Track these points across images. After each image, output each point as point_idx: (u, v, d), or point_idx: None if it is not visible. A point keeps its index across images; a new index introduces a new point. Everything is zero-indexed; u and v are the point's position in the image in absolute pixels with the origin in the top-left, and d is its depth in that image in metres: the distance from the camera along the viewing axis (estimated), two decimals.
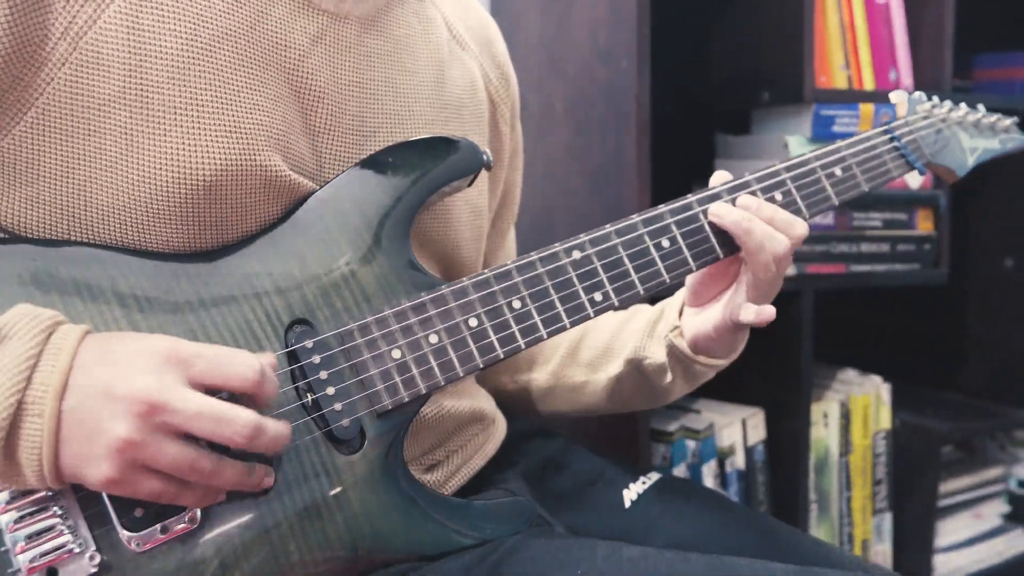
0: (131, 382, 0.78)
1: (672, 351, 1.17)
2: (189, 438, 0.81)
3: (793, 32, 1.79)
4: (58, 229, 0.90)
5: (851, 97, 1.86)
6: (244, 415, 0.81)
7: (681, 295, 1.19)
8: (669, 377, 1.19)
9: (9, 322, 0.80)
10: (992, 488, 2.25)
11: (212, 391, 0.82)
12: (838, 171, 1.16)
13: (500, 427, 1.25)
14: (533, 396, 1.34)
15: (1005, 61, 2.23)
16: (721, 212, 1.06)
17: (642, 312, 1.25)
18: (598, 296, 1.03)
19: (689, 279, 1.13)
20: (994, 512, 2.24)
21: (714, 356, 1.16)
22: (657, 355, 1.19)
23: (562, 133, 1.79)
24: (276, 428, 0.84)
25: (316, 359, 0.93)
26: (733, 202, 1.08)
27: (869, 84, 1.92)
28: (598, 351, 1.28)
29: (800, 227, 1.07)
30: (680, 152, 1.94)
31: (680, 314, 1.18)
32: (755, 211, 1.06)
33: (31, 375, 0.78)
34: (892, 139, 1.22)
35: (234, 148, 0.92)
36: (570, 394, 1.31)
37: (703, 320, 1.13)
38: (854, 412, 2.00)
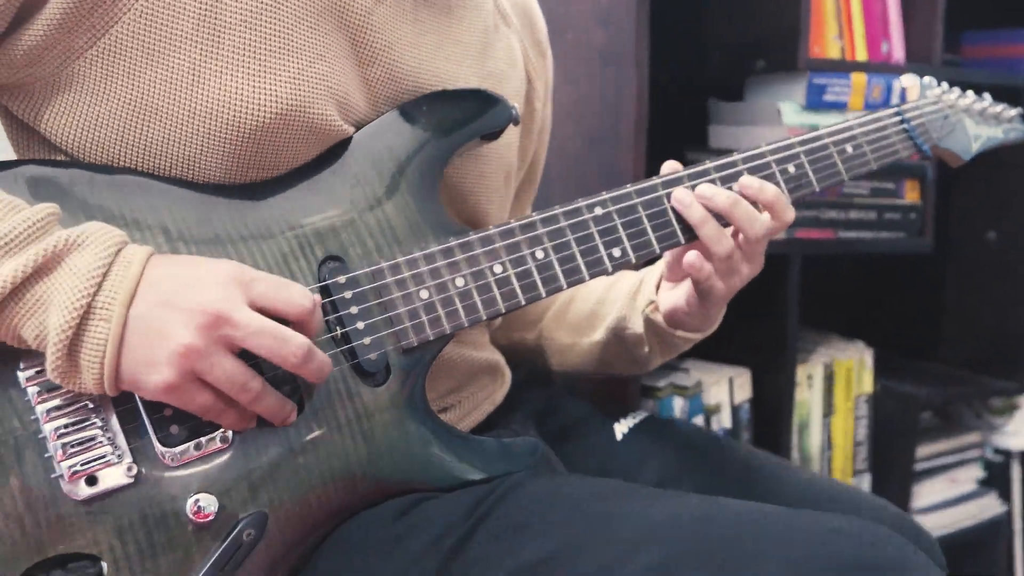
0: (197, 294, 0.83)
1: (649, 325, 1.21)
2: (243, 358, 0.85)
3: (789, 2, 1.81)
4: (112, 152, 0.94)
5: (844, 67, 1.88)
6: (300, 337, 0.85)
7: (659, 268, 1.22)
8: (647, 348, 1.24)
9: (85, 231, 0.84)
10: (968, 454, 2.29)
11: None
12: (849, 148, 1.20)
13: (507, 380, 1.29)
14: (524, 353, 1.39)
15: (993, 39, 2.26)
16: (685, 200, 1.09)
17: (625, 279, 1.29)
18: (616, 252, 1.06)
19: (666, 254, 1.17)
20: (970, 477, 2.29)
21: (690, 329, 1.20)
22: (635, 326, 1.23)
23: (560, 96, 1.81)
24: (323, 357, 0.88)
25: (348, 294, 0.96)
26: (746, 171, 1.12)
27: (861, 55, 1.96)
28: (583, 316, 1.32)
29: (759, 225, 1.10)
30: (674, 118, 1.97)
31: (658, 288, 1.22)
32: (744, 187, 1.10)
33: (102, 282, 0.82)
34: (902, 121, 1.26)
35: (294, 95, 0.95)
36: (557, 355, 1.36)
37: (676, 295, 1.17)
38: (838, 375, 2.05)
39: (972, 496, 2.27)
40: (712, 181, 1.11)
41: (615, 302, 1.27)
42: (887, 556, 0.83)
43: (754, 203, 1.10)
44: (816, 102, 1.83)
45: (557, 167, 1.83)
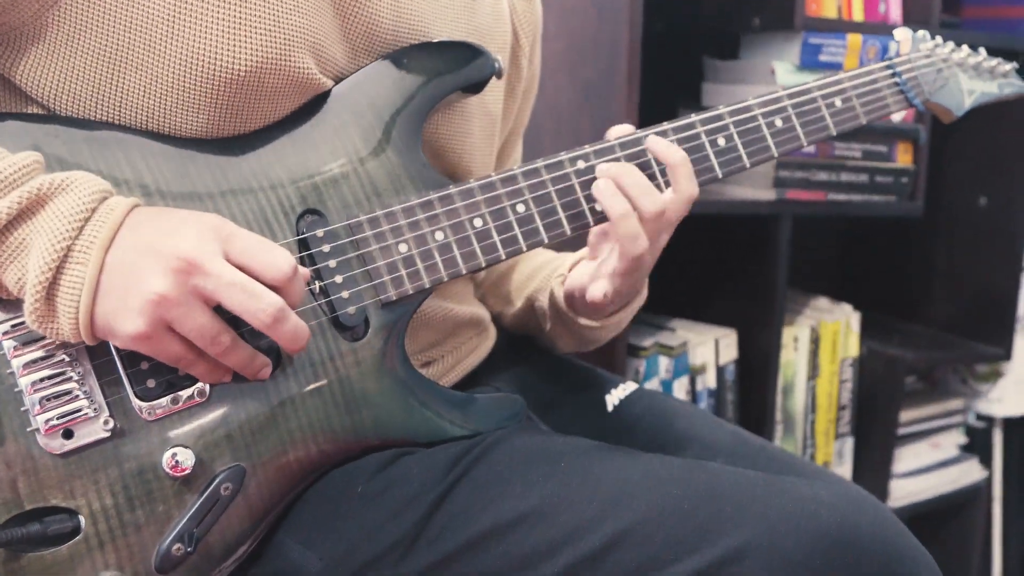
0: (174, 242, 0.82)
1: (551, 298, 1.21)
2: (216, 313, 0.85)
3: None
4: (88, 105, 0.93)
5: (840, 27, 1.86)
6: (273, 296, 0.84)
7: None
8: (549, 324, 1.24)
9: (70, 177, 0.84)
10: (951, 419, 2.30)
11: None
12: (838, 102, 1.18)
13: (492, 335, 1.29)
14: None
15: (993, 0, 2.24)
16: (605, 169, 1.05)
17: (562, 258, 1.27)
18: (599, 207, 1.05)
19: (591, 231, 1.12)
20: (951, 442, 2.30)
21: (580, 313, 1.18)
22: (544, 300, 1.23)
23: (554, 47, 1.80)
24: (298, 322, 0.87)
25: (326, 248, 0.95)
26: (733, 124, 1.11)
27: (858, 15, 1.94)
28: (514, 287, 1.32)
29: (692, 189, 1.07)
30: (668, 73, 1.95)
31: (574, 266, 1.20)
32: (658, 152, 1.06)
33: (82, 227, 0.81)
34: (893, 74, 1.24)
35: (271, 46, 0.93)
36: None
37: (579, 276, 1.15)
38: (823, 338, 2.04)
39: (953, 461, 2.27)
40: (697, 135, 1.09)
41: (540, 276, 1.27)
42: (865, 526, 0.83)
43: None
44: (811, 62, 1.82)
45: (549, 120, 1.82)
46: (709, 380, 1.92)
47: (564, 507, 0.87)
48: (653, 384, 1.83)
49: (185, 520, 0.88)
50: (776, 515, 0.83)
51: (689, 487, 0.87)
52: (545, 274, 1.26)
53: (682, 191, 1.05)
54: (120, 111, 0.93)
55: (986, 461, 2.31)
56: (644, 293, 1.20)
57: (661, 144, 1.06)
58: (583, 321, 1.19)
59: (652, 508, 0.85)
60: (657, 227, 1.05)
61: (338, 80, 1.02)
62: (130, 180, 0.91)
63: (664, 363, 1.85)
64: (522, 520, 0.88)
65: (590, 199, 1.05)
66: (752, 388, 1.97)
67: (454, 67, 1.05)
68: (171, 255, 0.81)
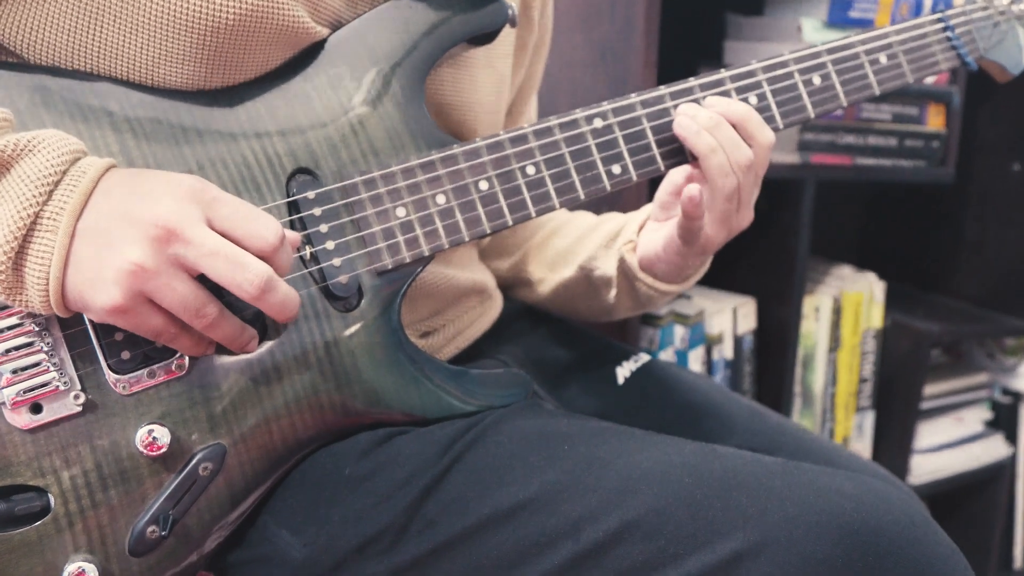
0: (152, 207, 0.76)
1: (621, 265, 1.14)
2: (199, 282, 0.80)
3: None
4: (64, 55, 0.87)
5: None
6: (260, 265, 0.79)
7: (647, 209, 1.15)
8: (614, 292, 1.17)
9: (38, 136, 0.78)
10: (976, 394, 2.24)
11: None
12: (883, 58, 1.10)
13: (497, 303, 1.24)
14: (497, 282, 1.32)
15: None
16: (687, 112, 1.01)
17: (611, 220, 1.22)
18: (616, 169, 0.99)
19: (661, 188, 1.09)
20: (976, 418, 2.24)
21: (660, 278, 1.12)
22: (607, 267, 1.17)
23: (569, 4, 1.74)
24: (288, 291, 0.82)
25: (317, 211, 0.89)
26: (767, 82, 1.04)
27: None
28: (560, 252, 1.26)
29: (769, 136, 1.02)
30: (688, 32, 1.88)
31: (641, 229, 1.15)
32: (723, 111, 1.01)
33: (52, 191, 0.76)
34: (945, 28, 1.15)
35: None
36: (525, 288, 1.30)
37: (656, 237, 1.10)
38: (846, 308, 1.99)
39: (977, 437, 2.22)
40: (727, 92, 1.03)
41: (592, 241, 1.21)
42: (891, 523, 0.78)
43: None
44: (840, 18, 1.75)
45: (564, 79, 1.76)
46: (726, 350, 1.87)
47: (566, 496, 0.82)
48: (668, 354, 1.78)
49: (160, 501, 0.84)
50: (795, 509, 0.77)
51: (701, 476, 0.81)
52: (599, 243, 1.19)
53: (759, 140, 1.01)
54: (99, 62, 0.87)
55: (1011, 437, 2.26)
56: (708, 261, 1.14)
57: (722, 102, 1.01)
58: (657, 284, 1.12)
59: (661, 499, 0.80)
60: (749, 180, 1.02)
61: (336, 28, 0.95)
62: (104, 126, 0.85)
63: (680, 332, 1.79)
64: (520, 509, 0.83)
65: (608, 161, 0.99)
66: (770, 359, 1.92)
67: (463, 13, 0.98)
68: (148, 222, 0.76)
